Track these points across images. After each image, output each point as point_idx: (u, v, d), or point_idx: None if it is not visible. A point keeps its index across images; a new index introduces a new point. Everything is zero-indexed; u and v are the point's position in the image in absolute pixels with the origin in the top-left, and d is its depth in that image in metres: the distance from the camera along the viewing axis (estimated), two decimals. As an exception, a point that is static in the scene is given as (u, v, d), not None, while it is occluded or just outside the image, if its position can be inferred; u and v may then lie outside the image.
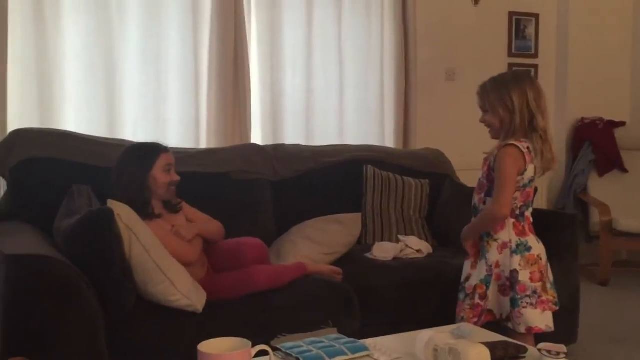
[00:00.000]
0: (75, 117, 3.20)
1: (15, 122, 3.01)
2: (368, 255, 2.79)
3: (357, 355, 1.60)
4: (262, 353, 1.40)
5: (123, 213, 2.03)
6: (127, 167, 2.30)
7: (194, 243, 2.33)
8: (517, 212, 2.20)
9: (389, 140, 4.10)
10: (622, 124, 4.69)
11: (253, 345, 1.37)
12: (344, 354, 1.59)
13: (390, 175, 3.20)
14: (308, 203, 2.98)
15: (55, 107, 3.16)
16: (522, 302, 2.13)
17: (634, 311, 3.63)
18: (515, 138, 2.16)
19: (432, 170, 3.39)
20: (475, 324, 2.16)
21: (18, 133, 2.61)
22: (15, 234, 2.16)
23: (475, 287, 2.22)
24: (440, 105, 4.30)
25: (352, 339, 1.69)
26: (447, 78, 4.35)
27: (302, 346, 1.63)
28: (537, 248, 2.20)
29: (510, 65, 4.58)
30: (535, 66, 4.64)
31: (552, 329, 2.16)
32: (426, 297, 2.56)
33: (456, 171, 3.53)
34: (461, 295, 2.27)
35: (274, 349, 1.54)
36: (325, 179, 3.13)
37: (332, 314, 2.26)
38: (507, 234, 2.18)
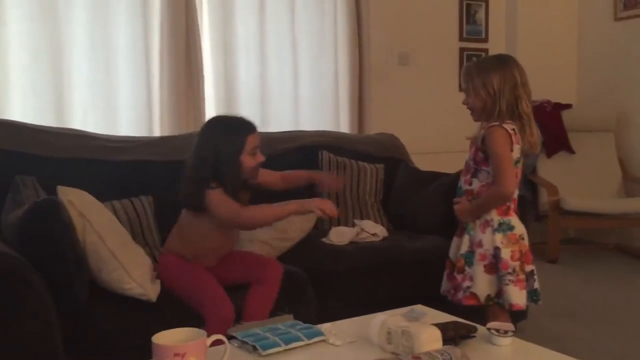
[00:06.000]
0: (22, 106, 3.11)
1: (-43, 111, 2.92)
2: (325, 240, 2.81)
3: (312, 340, 1.62)
4: (218, 342, 1.40)
5: (76, 199, 1.99)
6: (218, 146, 2.13)
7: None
8: None
9: (344, 125, 4.11)
10: (569, 106, 4.82)
11: (208, 335, 1.37)
12: (300, 339, 1.60)
13: (346, 160, 3.22)
14: (264, 189, 2.96)
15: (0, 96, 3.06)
16: (504, 279, 2.14)
17: (582, 287, 3.78)
18: (500, 120, 2.16)
19: (387, 155, 3.42)
20: (452, 296, 2.22)
21: (-40, 123, 2.51)
22: (-41, 228, 2.09)
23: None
24: (394, 89, 4.33)
25: (307, 325, 1.70)
26: (401, 62, 4.38)
27: (258, 334, 1.63)
28: (520, 228, 2.21)
29: (462, 50, 4.65)
30: (486, 50, 4.72)
31: (525, 307, 2.20)
32: (382, 280, 2.59)
33: (410, 155, 3.57)
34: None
35: (230, 338, 1.54)
36: (281, 165, 3.07)
37: (288, 301, 2.27)
38: (490, 213, 2.19)
